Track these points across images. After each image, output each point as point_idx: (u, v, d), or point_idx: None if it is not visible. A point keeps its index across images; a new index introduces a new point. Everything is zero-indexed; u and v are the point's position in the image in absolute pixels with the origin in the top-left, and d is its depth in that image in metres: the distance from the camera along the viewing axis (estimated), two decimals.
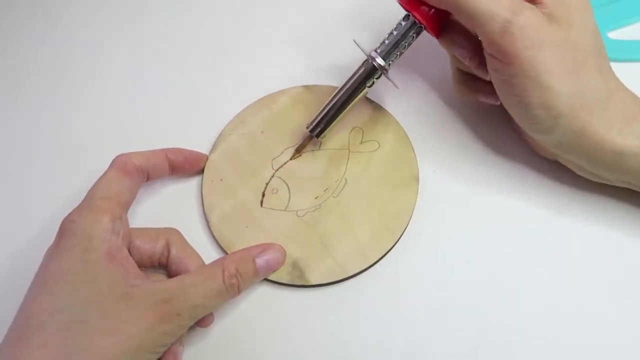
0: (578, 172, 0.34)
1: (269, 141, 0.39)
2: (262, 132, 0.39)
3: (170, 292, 0.29)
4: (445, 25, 0.34)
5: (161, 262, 0.33)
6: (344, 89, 0.36)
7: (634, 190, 0.33)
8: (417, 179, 0.37)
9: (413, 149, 0.38)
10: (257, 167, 0.38)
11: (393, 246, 0.35)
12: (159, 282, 0.30)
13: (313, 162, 0.38)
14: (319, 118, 0.37)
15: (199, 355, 0.33)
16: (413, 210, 0.36)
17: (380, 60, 0.35)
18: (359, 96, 0.36)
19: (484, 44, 0.31)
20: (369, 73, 0.36)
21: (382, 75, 0.36)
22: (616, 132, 0.31)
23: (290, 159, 0.37)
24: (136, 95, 0.42)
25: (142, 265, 0.32)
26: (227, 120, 0.39)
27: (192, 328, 0.32)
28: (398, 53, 0.35)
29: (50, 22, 0.46)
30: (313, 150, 0.38)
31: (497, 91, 0.33)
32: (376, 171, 0.37)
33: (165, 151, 0.36)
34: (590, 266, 0.34)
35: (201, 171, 0.38)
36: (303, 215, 0.36)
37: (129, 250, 0.32)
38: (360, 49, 0.36)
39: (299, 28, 0.44)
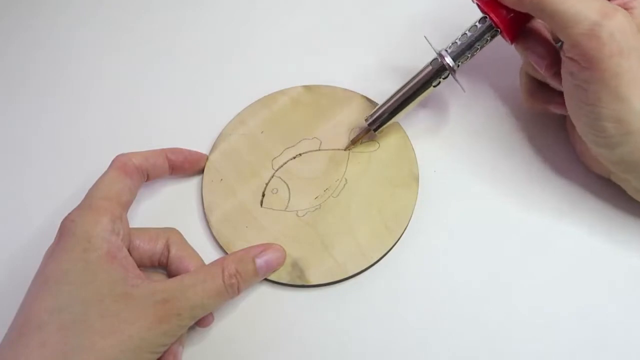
0: (630, 193, 0.33)
1: (269, 141, 0.39)
2: (262, 132, 0.39)
3: (170, 292, 0.29)
4: (522, 30, 0.33)
5: (161, 262, 0.33)
6: (409, 85, 0.35)
7: None
8: (417, 179, 0.37)
9: (413, 149, 0.38)
10: (257, 167, 0.38)
11: (393, 246, 0.35)
12: (159, 282, 0.30)
13: (313, 162, 0.38)
14: (379, 112, 0.36)
15: (199, 355, 0.33)
16: (413, 210, 0.36)
17: (449, 60, 0.34)
18: (423, 95, 0.36)
19: (566, 46, 0.30)
20: (436, 72, 0.35)
21: (450, 75, 0.35)
22: None
23: (345, 149, 0.37)
24: (136, 95, 0.42)
25: (142, 265, 0.32)
26: (227, 120, 0.39)
27: (192, 328, 0.32)
28: (469, 55, 0.34)
29: (51, 22, 0.46)
30: (314, 150, 0.38)
31: (567, 97, 0.32)
32: (376, 171, 0.37)
33: (165, 151, 0.36)
34: (588, 269, 0.34)
35: (201, 171, 0.38)
36: (303, 215, 0.36)
37: (128, 250, 0.32)
38: (430, 46, 0.35)
39: (299, 28, 0.44)
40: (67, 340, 0.27)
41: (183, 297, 0.29)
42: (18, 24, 0.46)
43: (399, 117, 0.37)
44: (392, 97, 0.36)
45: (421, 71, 0.35)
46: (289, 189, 0.37)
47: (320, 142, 0.38)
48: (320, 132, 0.39)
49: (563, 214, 0.36)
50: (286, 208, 0.36)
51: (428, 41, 0.35)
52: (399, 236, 0.35)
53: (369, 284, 0.34)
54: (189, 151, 0.37)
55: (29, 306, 0.28)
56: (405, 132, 0.38)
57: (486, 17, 0.33)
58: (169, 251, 0.33)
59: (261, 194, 0.37)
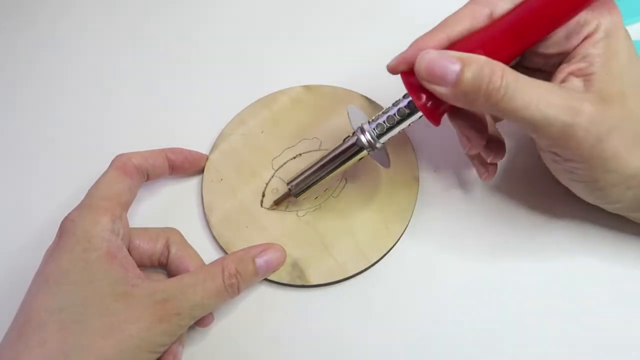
0: (634, 220, 0.33)
1: (269, 141, 0.39)
2: (262, 132, 0.39)
3: (169, 291, 0.29)
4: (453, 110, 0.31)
5: (161, 261, 0.33)
6: (329, 157, 0.33)
7: None
8: (417, 179, 0.37)
9: (413, 149, 0.38)
10: (257, 167, 0.38)
11: (393, 246, 0.35)
12: (159, 282, 0.30)
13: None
14: (299, 179, 0.34)
15: (199, 355, 0.33)
16: (413, 210, 0.36)
17: (370, 137, 0.31)
18: (344, 167, 0.33)
19: (541, 144, 0.29)
20: (356, 150, 0.32)
21: (370, 153, 0.32)
22: None
23: (269, 208, 0.36)
24: (136, 96, 0.42)
25: (142, 265, 0.32)
26: (227, 120, 0.39)
27: (191, 328, 0.32)
28: (393, 135, 0.32)
29: (52, 23, 0.46)
30: (314, 150, 0.38)
31: (556, 175, 0.32)
32: (376, 171, 0.37)
33: (165, 151, 0.36)
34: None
35: (201, 171, 0.38)
36: (303, 215, 0.36)
37: (128, 250, 0.32)
38: (350, 121, 0.32)
39: (299, 28, 0.44)
40: (67, 339, 0.27)
41: (183, 296, 0.29)
42: (20, 25, 0.46)
43: (321, 185, 0.35)
44: (313, 164, 0.34)
45: (342, 144, 0.33)
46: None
47: (320, 142, 0.38)
48: (320, 132, 0.39)
49: (563, 212, 0.35)
50: (286, 208, 0.36)
51: (349, 115, 0.32)
52: (399, 236, 0.35)
53: (369, 284, 0.34)
54: (189, 151, 0.37)
55: (29, 306, 0.28)
56: (405, 132, 0.38)
57: (407, 95, 0.30)
58: (168, 251, 0.33)
59: (261, 194, 0.37)
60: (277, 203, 0.36)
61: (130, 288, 0.29)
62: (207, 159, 0.38)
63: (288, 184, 0.35)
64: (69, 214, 0.31)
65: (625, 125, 0.28)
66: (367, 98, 0.40)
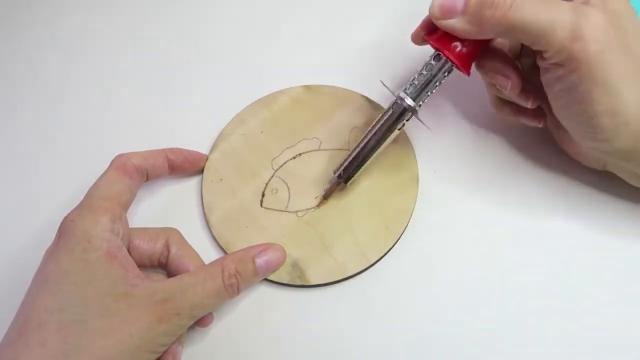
0: (629, 181, 0.34)
1: (269, 141, 0.39)
2: (262, 132, 0.39)
3: (169, 291, 0.29)
4: (479, 57, 0.33)
5: (161, 261, 0.33)
6: (373, 132, 0.34)
7: None
8: (417, 179, 0.37)
9: (413, 149, 0.38)
10: (257, 167, 0.38)
11: (393, 246, 0.35)
12: (159, 282, 0.30)
13: (313, 162, 0.38)
14: (346, 164, 0.35)
15: (199, 355, 0.33)
16: (413, 210, 0.36)
17: (409, 102, 0.33)
18: (389, 139, 0.34)
19: (549, 54, 0.29)
20: (398, 116, 0.33)
21: (413, 116, 0.34)
22: None
23: (317, 206, 0.36)
24: (136, 95, 0.42)
25: (141, 265, 0.32)
26: (227, 120, 0.39)
27: (191, 328, 0.32)
28: (429, 93, 0.33)
29: (52, 23, 0.46)
30: (313, 150, 0.38)
31: (554, 102, 0.32)
32: (376, 171, 0.37)
33: (165, 151, 0.36)
34: (592, 263, 0.34)
35: (201, 171, 0.38)
36: (303, 215, 0.36)
37: (128, 250, 0.32)
38: (388, 90, 0.34)
39: (299, 28, 0.44)
40: (67, 339, 0.27)
41: (183, 296, 0.29)
42: (21, 25, 0.46)
43: (367, 165, 0.35)
44: (357, 146, 0.35)
45: (383, 116, 0.34)
46: (288, 189, 0.37)
47: (320, 142, 0.38)
48: (320, 132, 0.39)
49: (562, 211, 0.35)
50: (286, 208, 0.36)
51: (385, 86, 0.34)
52: (399, 236, 0.35)
53: (369, 284, 0.34)
54: (189, 151, 0.37)
55: (29, 306, 0.28)
56: (405, 132, 0.38)
57: (439, 54, 0.32)
58: (168, 251, 0.33)
59: (261, 194, 0.37)
60: (326, 196, 0.36)
61: (130, 288, 0.29)
62: (207, 159, 0.38)
63: (335, 172, 0.35)
64: (69, 214, 0.31)
65: (627, 53, 0.29)
66: (367, 98, 0.40)
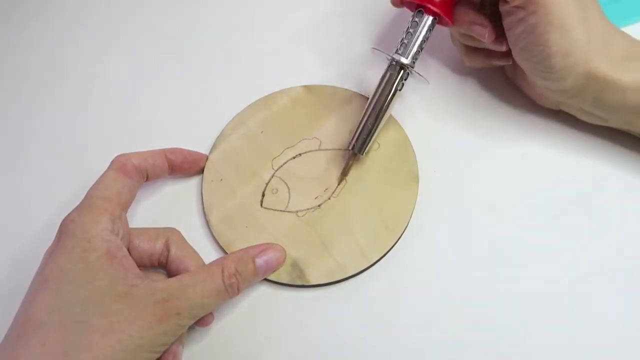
0: (580, 117, 0.37)
1: (269, 141, 0.39)
2: (262, 132, 0.39)
3: (169, 291, 0.29)
4: (457, 8, 0.35)
5: (161, 261, 0.33)
6: (376, 97, 0.35)
7: (629, 134, 0.36)
8: (417, 179, 0.37)
9: (413, 149, 0.38)
10: (257, 167, 0.38)
11: (393, 246, 0.35)
12: (159, 282, 0.30)
13: (313, 162, 0.38)
14: (358, 133, 0.36)
15: (199, 355, 0.33)
16: (413, 210, 0.36)
17: (404, 60, 0.35)
18: (393, 102, 0.36)
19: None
20: (397, 75, 0.35)
21: (409, 74, 0.35)
22: (619, 71, 0.33)
23: (338, 183, 0.37)
24: (136, 96, 0.42)
25: (141, 265, 0.32)
26: (227, 120, 0.39)
27: (191, 327, 0.32)
28: (419, 49, 0.35)
29: (51, 22, 0.46)
30: (313, 150, 0.38)
31: (514, 44, 0.34)
32: (376, 171, 0.37)
33: (164, 151, 0.36)
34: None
35: (201, 171, 0.38)
36: (303, 216, 0.36)
37: (128, 250, 0.32)
38: (383, 53, 0.35)
39: (299, 28, 0.44)
40: (67, 339, 0.27)
41: (182, 296, 0.29)
42: (19, 23, 0.46)
43: (378, 132, 0.36)
44: (364, 115, 0.36)
45: (382, 81, 0.35)
46: (288, 189, 0.37)
47: (320, 142, 0.38)
48: (320, 132, 0.39)
49: (563, 212, 0.36)
50: (286, 208, 0.36)
51: (378, 50, 0.36)
52: (399, 236, 0.35)
53: (369, 284, 0.34)
54: (189, 151, 0.37)
55: (29, 306, 0.28)
56: (405, 133, 0.38)
57: (421, 10, 0.35)
58: (168, 251, 0.33)
59: (261, 194, 0.37)
60: (345, 172, 0.37)
61: (130, 288, 0.29)
62: (207, 159, 0.38)
63: (349, 146, 0.36)
64: (69, 214, 0.31)
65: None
66: (367, 98, 0.40)
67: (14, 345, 0.27)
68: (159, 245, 0.33)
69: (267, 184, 0.37)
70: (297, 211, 0.36)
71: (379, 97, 0.35)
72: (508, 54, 0.36)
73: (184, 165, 0.37)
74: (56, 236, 0.30)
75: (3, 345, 0.28)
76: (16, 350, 0.27)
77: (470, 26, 0.35)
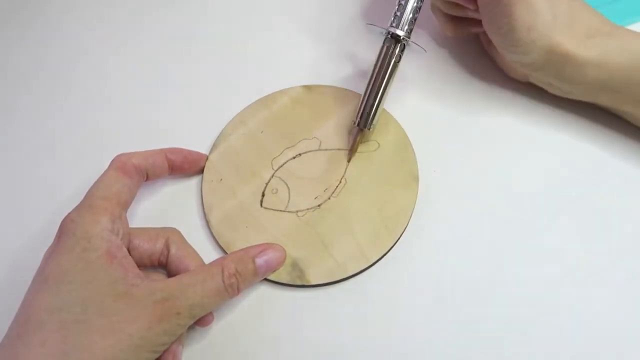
0: (548, 89, 0.38)
1: (269, 141, 0.39)
2: (262, 132, 0.39)
3: (169, 291, 0.29)
4: None
5: (161, 261, 0.33)
6: (376, 72, 0.36)
7: (595, 105, 0.37)
8: (417, 179, 0.37)
9: (413, 149, 0.38)
10: (257, 167, 0.38)
11: (393, 246, 0.35)
12: (159, 282, 0.30)
13: (313, 162, 0.38)
14: (362, 109, 0.37)
15: (199, 355, 0.33)
16: (413, 210, 0.36)
17: (399, 32, 0.36)
18: (393, 75, 0.36)
19: None
20: (394, 46, 0.36)
21: (406, 45, 0.36)
22: (581, 46, 0.34)
23: (348, 161, 0.37)
24: (136, 96, 0.42)
25: (141, 265, 0.32)
26: (227, 120, 0.39)
27: (191, 327, 0.32)
28: (413, 19, 0.36)
29: (51, 24, 0.46)
30: (313, 150, 0.38)
31: (484, 16, 0.36)
32: (376, 171, 0.37)
33: (164, 151, 0.36)
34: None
35: (201, 171, 0.38)
36: (303, 216, 0.36)
37: (128, 250, 0.32)
38: (377, 27, 0.36)
39: (299, 28, 0.44)
40: (66, 339, 0.27)
41: (182, 296, 0.29)
42: (22, 24, 0.46)
43: (382, 107, 0.37)
44: (366, 91, 0.37)
45: (380, 55, 0.36)
46: (288, 189, 0.37)
47: (320, 142, 0.38)
48: (320, 132, 0.39)
49: (564, 212, 0.36)
50: (286, 208, 0.36)
51: (373, 24, 0.36)
52: (398, 236, 0.35)
53: (369, 284, 0.34)
54: (189, 151, 0.37)
55: (29, 305, 0.28)
56: (405, 132, 0.38)
57: None
58: (168, 251, 0.33)
59: (261, 194, 0.37)
60: (353, 148, 0.37)
61: (129, 288, 0.29)
62: (207, 159, 0.38)
63: (355, 123, 0.37)
64: (69, 214, 0.31)
65: None
66: None
67: (14, 344, 0.27)
68: (159, 245, 0.33)
69: (267, 184, 0.37)
70: (297, 211, 0.36)
71: (378, 70, 0.36)
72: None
73: (184, 165, 0.37)
74: (56, 236, 0.30)
75: (3, 345, 0.28)
76: (16, 350, 0.27)
77: None
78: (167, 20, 0.46)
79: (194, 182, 0.38)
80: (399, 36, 0.36)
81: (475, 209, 0.36)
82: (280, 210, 0.36)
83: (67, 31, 0.46)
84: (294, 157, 0.38)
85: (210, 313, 0.32)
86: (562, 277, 0.34)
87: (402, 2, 0.36)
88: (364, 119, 0.37)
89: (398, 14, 0.36)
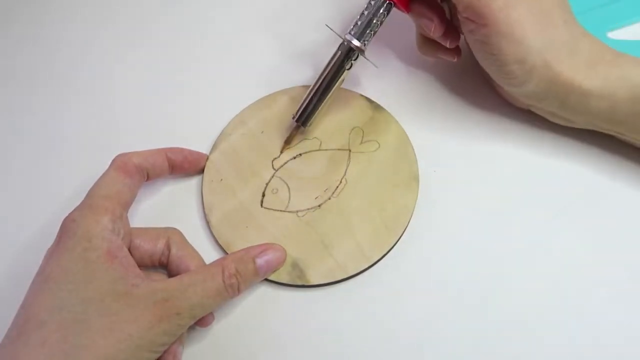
0: (551, 119, 0.37)
1: (269, 141, 0.39)
2: (262, 132, 0.39)
3: (169, 291, 0.29)
4: None
5: (161, 261, 0.33)
6: (324, 74, 0.36)
7: (599, 132, 0.36)
8: (417, 179, 0.37)
9: (413, 149, 0.38)
10: (257, 167, 0.38)
11: (393, 246, 0.35)
12: (159, 282, 0.30)
13: (313, 162, 0.38)
14: (303, 106, 0.37)
15: (199, 355, 0.33)
16: (413, 210, 0.36)
17: (355, 42, 0.35)
18: (339, 80, 0.37)
19: (460, 8, 0.33)
20: (346, 55, 0.36)
21: (359, 56, 0.36)
22: (583, 76, 0.33)
23: (281, 153, 0.38)
24: (136, 95, 0.42)
25: (142, 265, 0.32)
26: (227, 120, 0.40)
27: (192, 328, 0.32)
28: (372, 32, 0.36)
29: (52, 24, 0.46)
30: (314, 150, 0.38)
31: (474, 50, 0.35)
32: (376, 171, 0.37)
33: (165, 151, 0.36)
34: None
35: (201, 171, 0.38)
36: (303, 216, 0.36)
37: (129, 250, 0.32)
38: (334, 32, 0.36)
39: (299, 28, 0.44)
40: (67, 339, 0.27)
41: (183, 296, 0.29)
42: (23, 25, 0.46)
43: (323, 107, 0.37)
44: (311, 89, 0.37)
45: (332, 58, 0.36)
46: (289, 189, 0.37)
47: (320, 142, 0.38)
48: (320, 132, 0.39)
49: (565, 212, 0.36)
50: (286, 208, 0.36)
51: (330, 28, 0.37)
52: (399, 236, 0.35)
53: (369, 284, 0.34)
54: (189, 151, 0.37)
55: (29, 305, 0.28)
56: (405, 132, 0.38)
57: None
58: (169, 251, 0.33)
59: (261, 194, 0.37)
60: (288, 141, 0.38)
61: (130, 288, 0.29)
62: (207, 159, 0.38)
63: (293, 117, 0.37)
64: (70, 213, 0.31)
65: (532, 5, 0.33)
66: (367, 98, 0.40)
67: (14, 344, 0.27)
68: (160, 245, 0.33)
69: (267, 184, 0.37)
70: (297, 211, 0.36)
71: (326, 74, 0.36)
72: (456, 50, 0.38)
73: (184, 165, 0.37)
74: (57, 236, 0.30)
75: (3, 345, 0.28)
76: (16, 350, 0.27)
77: (419, 17, 0.36)
78: (168, 20, 0.46)
79: (194, 182, 0.38)
80: (353, 46, 0.35)
81: (476, 208, 0.36)
82: (281, 210, 0.36)
83: (69, 32, 0.46)
84: (294, 157, 0.38)
85: (211, 313, 0.32)
86: (562, 277, 0.34)
87: (365, 12, 0.35)
88: (302, 117, 0.37)
89: (359, 22, 0.36)
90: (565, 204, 0.36)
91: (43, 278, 0.29)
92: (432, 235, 0.35)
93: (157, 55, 0.44)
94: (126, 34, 0.45)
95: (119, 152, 0.34)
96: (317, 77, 0.37)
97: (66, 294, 0.28)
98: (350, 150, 0.38)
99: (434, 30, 0.35)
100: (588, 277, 0.34)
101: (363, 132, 0.39)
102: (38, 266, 0.30)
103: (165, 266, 0.33)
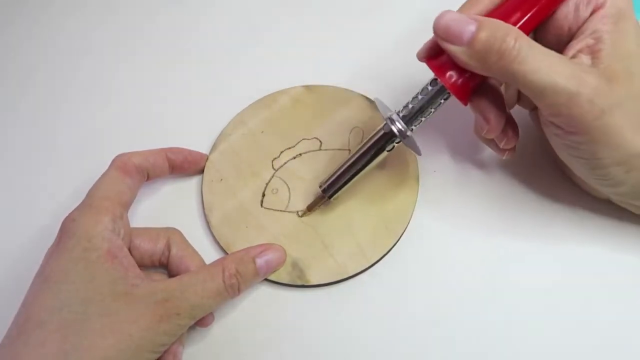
0: (635, 211, 0.34)
1: (269, 141, 0.39)
2: (262, 132, 0.39)
3: (169, 291, 0.29)
4: (476, 88, 0.31)
5: (162, 261, 0.33)
6: (362, 151, 0.33)
7: None
8: (417, 179, 0.37)
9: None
10: (257, 167, 0.38)
11: (393, 246, 0.35)
12: (159, 282, 0.30)
13: (313, 162, 0.38)
14: (332, 180, 0.34)
15: (199, 355, 0.33)
16: (413, 210, 0.36)
17: (400, 125, 0.32)
18: (377, 160, 0.33)
19: (545, 113, 0.29)
20: (387, 139, 0.32)
21: (403, 140, 0.32)
22: None
23: (300, 216, 0.36)
24: (136, 96, 0.42)
25: (142, 265, 0.32)
26: (227, 120, 0.39)
27: (192, 328, 0.32)
28: (422, 119, 0.32)
29: (52, 24, 0.46)
30: (314, 150, 0.38)
31: (558, 152, 0.32)
32: (376, 171, 0.37)
33: (165, 151, 0.36)
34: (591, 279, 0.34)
35: (201, 171, 0.38)
36: (303, 215, 0.36)
37: (129, 250, 0.32)
38: (380, 112, 0.33)
39: (299, 28, 0.45)
40: (67, 339, 0.27)
41: (183, 296, 0.29)
42: (24, 26, 0.46)
43: (353, 182, 0.34)
44: (344, 163, 0.34)
45: (373, 136, 0.33)
46: (289, 189, 0.37)
47: (321, 143, 0.38)
48: (320, 132, 0.39)
49: (566, 209, 0.36)
50: (286, 208, 0.36)
51: (378, 105, 0.33)
52: (399, 236, 0.35)
53: (369, 284, 0.34)
54: (189, 151, 0.37)
55: (29, 305, 0.28)
56: None
57: (437, 79, 0.31)
58: (169, 251, 0.33)
59: (261, 194, 0.37)
60: (310, 208, 0.36)
61: (130, 288, 0.29)
62: (207, 159, 0.38)
63: (320, 186, 0.35)
64: (70, 213, 0.31)
65: (630, 105, 0.28)
66: (367, 98, 0.40)
67: (14, 344, 0.27)
68: (160, 245, 0.33)
69: (267, 184, 0.37)
70: (297, 211, 0.36)
71: (364, 152, 0.33)
72: (510, 151, 0.34)
73: (184, 165, 0.37)
74: (57, 236, 0.30)
75: (3, 345, 0.28)
76: (16, 350, 0.27)
77: (475, 112, 0.32)
78: (167, 20, 0.46)
79: (194, 182, 0.38)
80: (399, 130, 0.32)
81: (475, 208, 0.36)
82: (281, 211, 0.36)
83: (69, 32, 0.46)
84: (294, 157, 0.38)
85: (211, 313, 0.32)
86: (563, 276, 0.34)
87: (419, 96, 0.31)
88: (330, 190, 0.34)
89: (410, 106, 0.32)
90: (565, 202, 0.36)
91: (43, 278, 0.29)
92: (432, 235, 0.35)
93: (157, 55, 0.44)
94: (126, 33, 0.45)
95: (118, 152, 0.34)
96: (355, 152, 0.34)
97: (66, 294, 0.28)
98: (350, 150, 0.38)
99: (487, 132, 0.32)
100: (587, 275, 0.34)
101: (363, 132, 0.39)
102: (38, 266, 0.30)
103: (165, 266, 0.33)
